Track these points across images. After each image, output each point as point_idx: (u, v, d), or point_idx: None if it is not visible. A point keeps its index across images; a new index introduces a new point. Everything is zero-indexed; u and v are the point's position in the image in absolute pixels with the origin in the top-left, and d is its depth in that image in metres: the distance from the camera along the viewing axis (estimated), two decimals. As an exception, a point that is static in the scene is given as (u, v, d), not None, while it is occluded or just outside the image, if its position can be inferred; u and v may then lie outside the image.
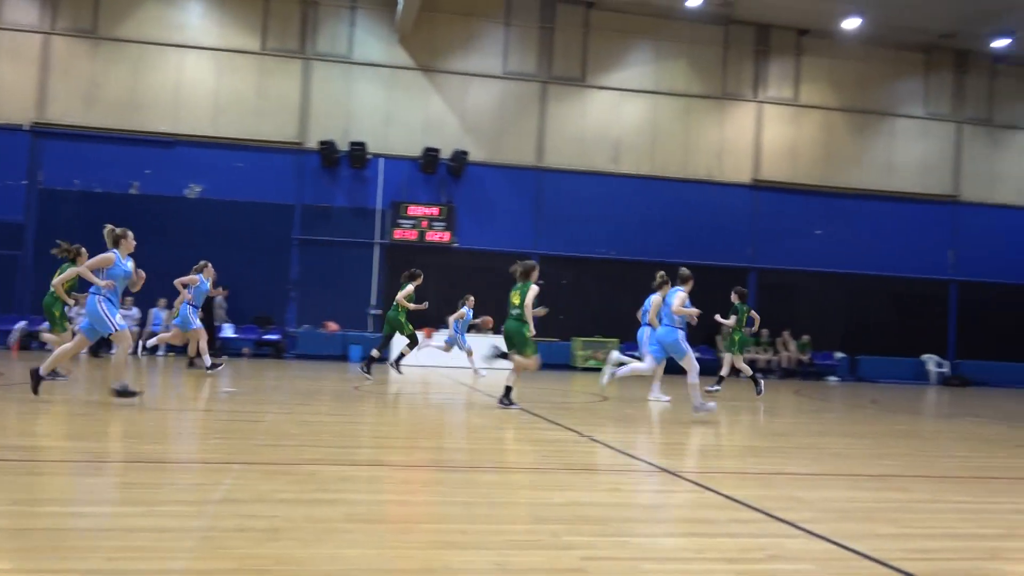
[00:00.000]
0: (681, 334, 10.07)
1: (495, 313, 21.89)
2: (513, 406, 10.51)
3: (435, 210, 22.81)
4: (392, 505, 4.89)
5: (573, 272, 23.44)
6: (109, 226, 9.01)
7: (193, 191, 22.14)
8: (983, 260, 26.12)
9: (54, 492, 4.63)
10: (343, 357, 21.76)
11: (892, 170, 26.01)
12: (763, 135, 25.27)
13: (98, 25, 21.92)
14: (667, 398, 12.62)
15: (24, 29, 21.71)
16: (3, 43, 21.69)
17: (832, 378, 23.83)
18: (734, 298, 14.83)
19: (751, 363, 18.42)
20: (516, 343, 10.57)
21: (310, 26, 22.93)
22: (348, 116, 22.99)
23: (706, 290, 23.62)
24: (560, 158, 24.01)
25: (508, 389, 10.59)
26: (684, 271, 10.79)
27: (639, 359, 12.41)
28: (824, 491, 5.87)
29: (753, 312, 14.97)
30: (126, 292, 10.85)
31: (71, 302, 11.56)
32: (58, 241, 11.75)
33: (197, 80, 22.42)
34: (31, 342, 19.13)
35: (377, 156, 22.91)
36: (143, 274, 11.66)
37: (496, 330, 20.59)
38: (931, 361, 25.18)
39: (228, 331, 21.38)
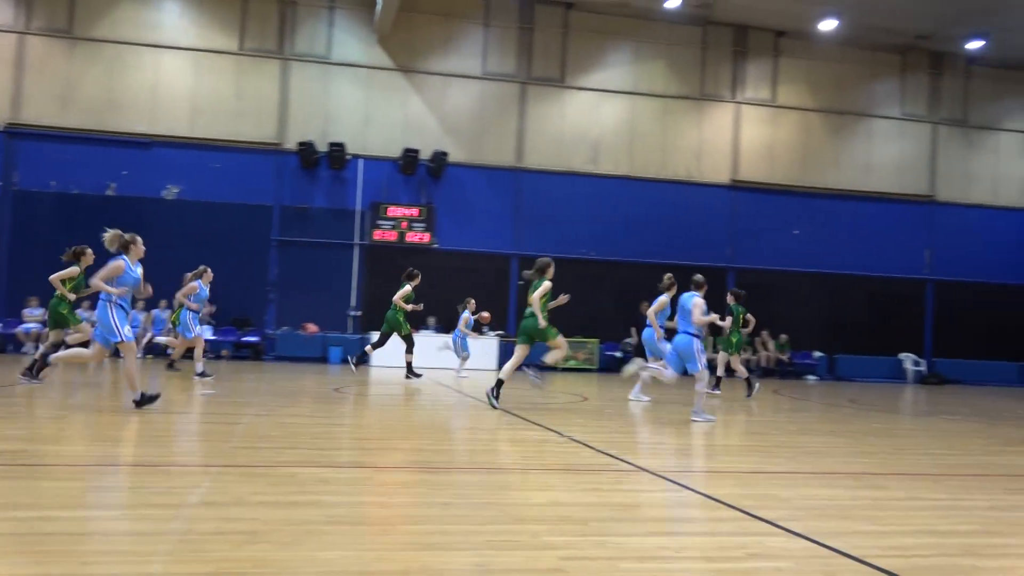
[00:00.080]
0: (698, 343, 10.10)
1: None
2: (495, 406, 10.56)
3: (415, 211, 22.77)
4: (371, 507, 4.87)
5: (553, 273, 23.42)
6: (114, 232, 8.74)
7: (171, 192, 21.99)
8: (959, 260, 26.38)
9: (27, 496, 4.58)
10: (323, 359, 21.68)
11: (869, 170, 26.21)
12: (741, 135, 25.40)
13: (73, 25, 21.72)
14: (647, 398, 12.65)
15: (-2, 29, 21.49)
16: (-23, 43, 21.45)
17: (811, 377, 23.97)
18: (730, 299, 14.90)
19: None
20: (537, 336, 10.89)
21: (288, 26, 22.82)
22: (327, 117, 22.90)
23: (685, 290, 23.70)
24: (540, 159, 24.04)
25: (500, 383, 10.69)
26: (699, 277, 10.83)
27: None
28: (802, 489, 5.90)
29: (749, 315, 15.07)
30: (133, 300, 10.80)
31: (71, 297, 11.46)
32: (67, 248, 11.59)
33: (174, 80, 22.26)
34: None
35: (356, 157, 22.84)
36: (151, 290, 11.60)
37: (493, 327, 20.65)
38: (908, 360, 25.40)
39: (207, 333, 21.21)
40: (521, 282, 23.39)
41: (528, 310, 10.96)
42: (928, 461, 7.88)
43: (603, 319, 22.90)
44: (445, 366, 18.16)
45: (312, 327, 22.19)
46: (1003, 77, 26.98)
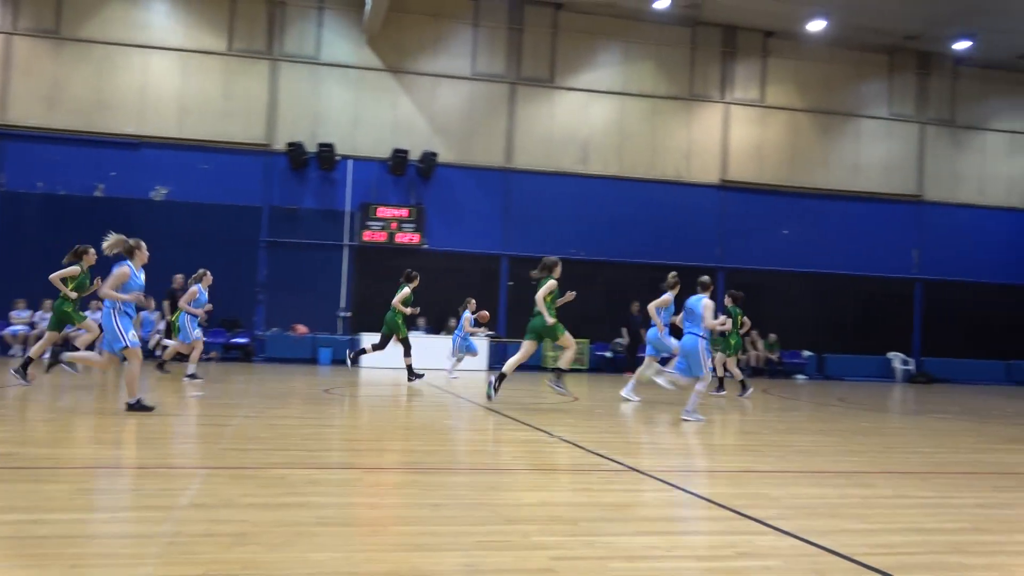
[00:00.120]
0: (703, 344, 10.14)
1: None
2: (492, 396, 10.97)
3: (404, 212, 22.75)
4: (361, 508, 4.87)
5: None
6: (117, 236, 8.72)
7: (159, 193, 21.91)
8: (946, 259, 26.51)
9: (15, 499, 4.56)
10: (312, 360, 21.63)
11: (857, 170, 26.31)
12: (730, 136, 25.46)
13: (61, 25, 21.62)
14: (638, 399, 12.66)
15: (-16, 29, 21.38)
16: (-37, 44, 21.34)
17: (800, 376, 24.05)
18: (728, 301, 14.94)
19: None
20: (546, 334, 11.10)
21: (277, 27, 22.76)
22: (316, 117, 22.85)
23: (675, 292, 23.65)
24: (529, 159, 24.04)
25: (502, 376, 11.05)
26: (706, 278, 10.85)
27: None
28: (791, 488, 5.93)
29: (745, 317, 15.13)
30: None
31: (73, 295, 11.44)
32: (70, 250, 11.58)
33: (163, 81, 22.18)
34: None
35: (346, 158, 22.80)
36: (152, 303, 11.55)
37: (490, 325, 20.68)
38: (897, 359, 25.51)
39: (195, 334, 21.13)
40: (511, 283, 23.43)
41: (537, 308, 11.07)
42: (917, 459, 7.91)
43: (592, 319, 22.89)
44: (438, 367, 18.12)
45: (302, 328, 22.15)
46: (990, 77, 27.12)
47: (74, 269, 11.44)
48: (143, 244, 8.87)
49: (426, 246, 22.86)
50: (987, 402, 17.12)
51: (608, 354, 23.07)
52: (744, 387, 14.69)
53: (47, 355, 10.70)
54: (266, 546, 3.70)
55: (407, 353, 14.88)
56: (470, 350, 17.46)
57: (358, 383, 15.71)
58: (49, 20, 21.53)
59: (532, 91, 24.16)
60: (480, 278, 22.94)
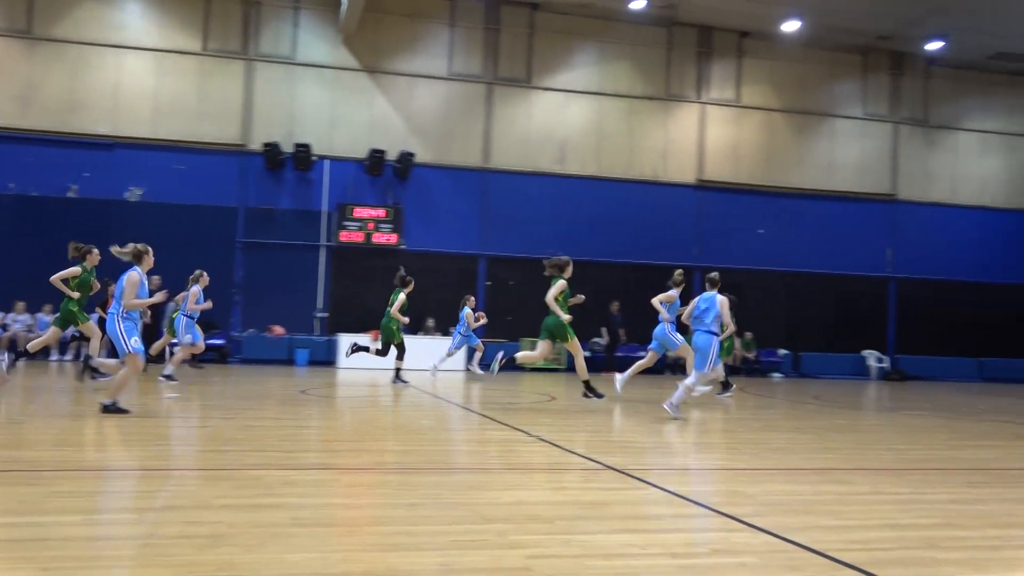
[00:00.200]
0: (716, 341, 10.26)
1: (442, 312, 21.89)
2: (494, 372, 11.14)
3: (382, 212, 22.67)
4: (337, 508, 4.85)
5: (520, 273, 23.45)
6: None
7: (134, 194, 21.71)
8: (920, 258, 26.75)
9: (-12, 503, 4.51)
10: (289, 361, 21.51)
11: (832, 170, 26.51)
12: (706, 136, 25.57)
13: (33, 25, 21.37)
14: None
15: (-45, 29, 21.11)
16: (-68, 43, 21.06)
17: (776, 375, 24.20)
18: None
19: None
20: (557, 334, 11.16)
21: (252, 27, 22.63)
22: (292, 117, 22.73)
23: (652, 289, 23.77)
24: (506, 159, 24.04)
25: (512, 360, 11.22)
26: (715, 275, 10.95)
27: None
28: (767, 485, 5.97)
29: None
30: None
31: (75, 295, 11.35)
32: (72, 244, 11.47)
33: (137, 81, 21.98)
34: None
35: (322, 158, 22.69)
36: (166, 294, 11.56)
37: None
38: (872, 356, 25.72)
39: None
40: (488, 283, 23.43)
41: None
42: (891, 456, 7.99)
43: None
44: (419, 367, 18.06)
45: (278, 329, 22.03)
46: (961, 77, 27.41)
47: (75, 269, 11.35)
48: (150, 250, 9.04)
49: (403, 246, 22.80)
50: (960, 399, 17.30)
51: (587, 353, 23.07)
52: (727, 386, 14.71)
53: (54, 356, 10.65)
54: (242, 547, 3.69)
55: (400, 357, 15.07)
56: (472, 344, 18.04)
57: (335, 384, 15.66)
58: (21, 20, 21.29)
59: (509, 91, 24.17)
60: (458, 278, 22.90)
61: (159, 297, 8.80)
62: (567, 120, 24.58)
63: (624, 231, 24.41)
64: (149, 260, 8.98)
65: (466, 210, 23.72)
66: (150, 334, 14.40)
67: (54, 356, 19.20)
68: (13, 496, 4.69)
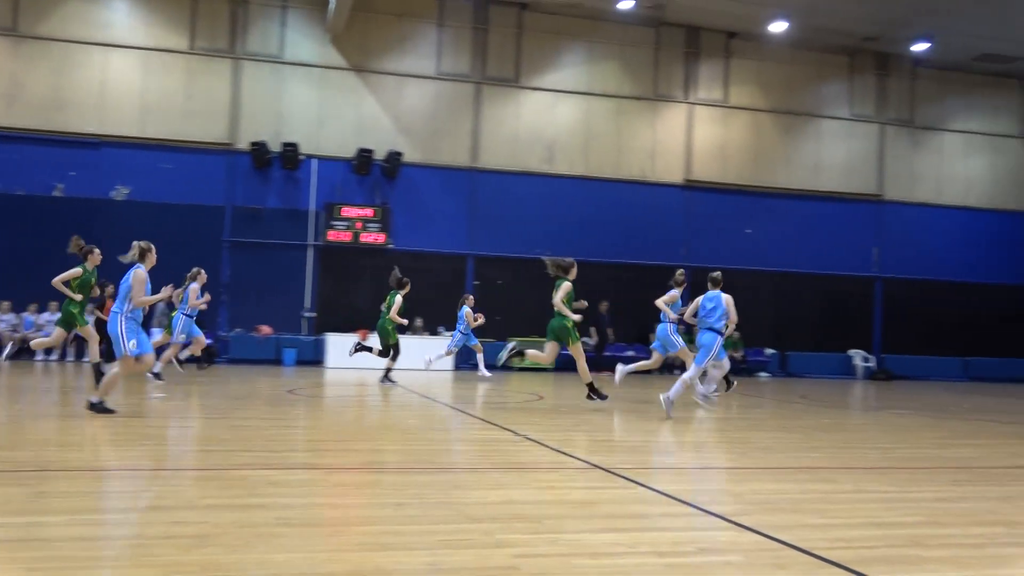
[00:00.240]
0: (719, 339, 10.36)
1: (431, 312, 21.88)
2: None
3: (369, 211, 22.63)
4: (324, 508, 4.84)
5: (508, 273, 23.49)
6: (135, 244, 8.93)
7: (120, 193, 21.61)
8: (906, 257, 26.90)
9: (-29, 503, 4.48)
10: (276, 361, 21.45)
11: (819, 170, 26.62)
12: (694, 136, 25.63)
13: (18, 23, 21.24)
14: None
15: (-61, 26, 20.95)
16: (-84, 40, 20.90)
17: (763, 374, 24.28)
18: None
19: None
20: (561, 337, 11.06)
21: (240, 25, 22.55)
22: (280, 117, 22.67)
23: (641, 289, 23.83)
24: (495, 159, 24.03)
25: (521, 353, 11.18)
26: (717, 274, 11.03)
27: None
28: (753, 484, 5.98)
29: None
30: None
31: (77, 297, 11.26)
32: (74, 238, 11.36)
33: (123, 80, 21.88)
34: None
35: (310, 157, 22.63)
36: (171, 290, 11.56)
37: (448, 327, 20.75)
38: (858, 356, 25.83)
39: (156, 335, 20.90)
40: (477, 283, 23.41)
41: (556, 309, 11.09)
42: (877, 455, 8.02)
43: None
44: (409, 367, 18.02)
45: (266, 329, 21.96)
46: (947, 79, 27.56)
47: (76, 271, 11.23)
48: (153, 247, 9.06)
49: (392, 246, 22.77)
50: (945, 398, 17.40)
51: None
52: (727, 383, 14.66)
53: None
54: (226, 548, 3.67)
55: (393, 358, 15.10)
56: (471, 344, 17.93)
57: (323, 384, 15.62)
58: (6, 18, 21.15)
59: (497, 91, 24.16)
60: (446, 278, 22.88)
61: (165, 292, 8.78)
62: (555, 120, 24.59)
63: (612, 231, 24.44)
64: (152, 258, 9.01)
65: (454, 210, 23.70)
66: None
67: (39, 356, 19.08)
68: (-3, 496, 4.66)
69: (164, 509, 4.48)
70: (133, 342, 8.60)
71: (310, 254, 22.71)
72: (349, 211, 22.46)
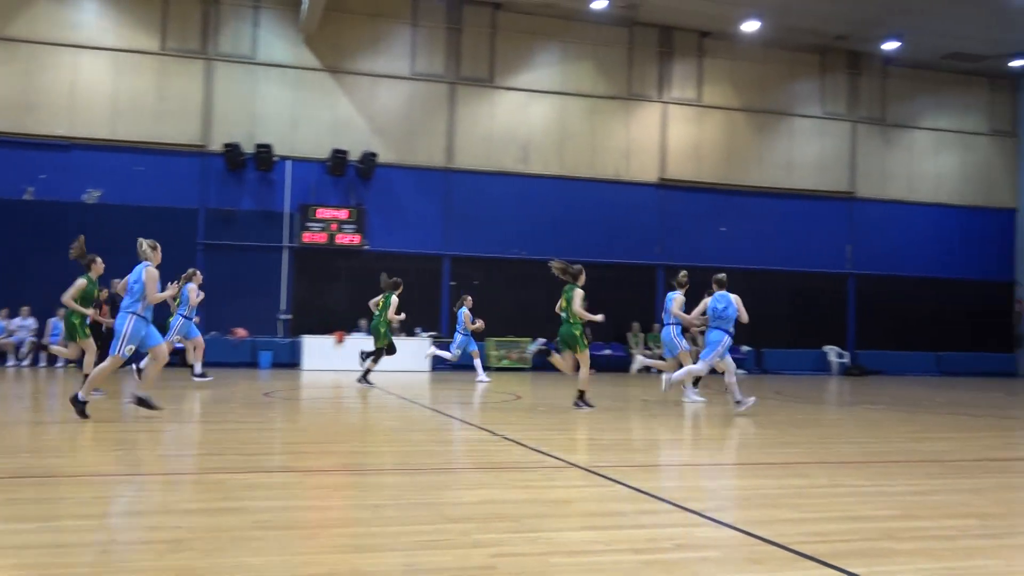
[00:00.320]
0: (728, 338, 10.49)
1: (407, 313, 21.80)
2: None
3: (344, 212, 22.54)
4: (300, 511, 4.82)
5: (485, 272, 23.49)
6: (142, 241, 9.08)
7: (92, 196, 21.38)
8: (878, 254, 27.17)
9: (-58, 511, 4.43)
10: (252, 364, 21.34)
11: (791, 168, 26.81)
12: (668, 135, 25.74)
13: (-15, 24, 21.00)
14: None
15: (-96, 28, 20.65)
16: None
17: (739, 371, 24.37)
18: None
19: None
20: (570, 344, 10.99)
21: (212, 26, 22.39)
22: (253, 118, 22.52)
23: (616, 288, 23.94)
24: (470, 159, 24.02)
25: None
26: (722, 276, 11.14)
27: (662, 359, 12.96)
28: (729, 480, 6.02)
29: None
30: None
31: (87, 312, 11.07)
32: (79, 240, 11.04)
33: (94, 81, 21.66)
34: None
35: (284, 158, 22.51)
36: (174, 287, 11.49)
37: (425, 327, 20.68)
38: (832, 352, 26.07)
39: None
40: (453, 283, 23.38)
41: (565, 315, 11.12)
42: (851, 449, 8.10)
43: (535, 319, 22.94)
44: (389, 369, 17.98)
45: (241, 332, 21.81)
46: (917, 77, 27.86)
47: (81, 283, 11.00)
48: (158, 246, 9.19)
49: (367, 247, 22.70)
50: (918, 392, 17.58)
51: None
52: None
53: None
54: (202, 552, 3.65)
55: (376, 359, 15.13)
56: (471, 349, 17.71)
57: (299, 386, 15.55)
58: (-27, 19, 20.89)
59: (472, 91, 24.15)
60: (422, 279, 22.85)
61: (172, 289, 8.86)
62: (530, 120, 24.62)
63: (587, 230, 24.50)
64: (157, 255, 9.12)
65: (430, 210, 23.67)
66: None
67: (11, 362, 18.86)
68: (-32, 504, 4.60)
69: (139, 514, 4.44)
70: (131, 347, 8.58)
71: (285, 256, 22.59)
72: (324, 212, 22.37)
